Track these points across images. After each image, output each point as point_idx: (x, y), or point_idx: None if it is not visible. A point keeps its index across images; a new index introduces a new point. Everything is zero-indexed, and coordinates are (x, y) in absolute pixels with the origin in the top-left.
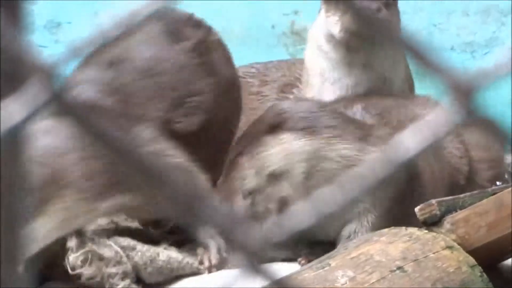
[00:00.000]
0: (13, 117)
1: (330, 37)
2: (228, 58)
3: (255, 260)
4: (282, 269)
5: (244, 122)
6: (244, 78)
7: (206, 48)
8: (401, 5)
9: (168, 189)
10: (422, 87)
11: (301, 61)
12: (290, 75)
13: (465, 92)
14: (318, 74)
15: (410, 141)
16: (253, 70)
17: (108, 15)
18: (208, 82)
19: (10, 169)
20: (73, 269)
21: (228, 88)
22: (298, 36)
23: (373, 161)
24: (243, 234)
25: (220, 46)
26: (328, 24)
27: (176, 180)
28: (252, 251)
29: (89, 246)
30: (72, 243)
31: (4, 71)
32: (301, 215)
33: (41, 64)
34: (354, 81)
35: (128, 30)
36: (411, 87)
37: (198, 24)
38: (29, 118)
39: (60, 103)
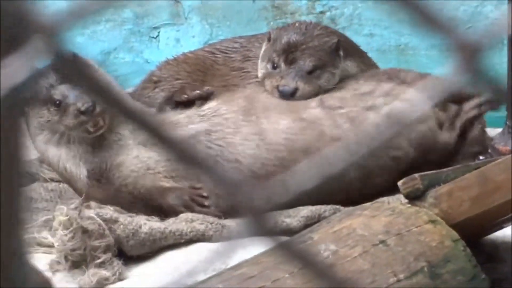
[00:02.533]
0: (15, 76)
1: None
2: None
3: (260, 219)
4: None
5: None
6: (226, 53)
7: None
8: None
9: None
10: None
11: None
12: None
13: (472, 52)
14: None
15: (417, 99)
16: (236, 45)
17: None
18: None
19: (10, 127)
20: (58, 240)
21: None
22: (279, 10)
23: (379, 120)
24: (248, 194)
25: None
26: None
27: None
28: (257, 210)
29: (75, 220)
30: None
31: (5, 29)
32: (306, 175)
33: (43, 23)
34: None
35: None
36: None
37: None
38: (32, 76)
39: (63, 62)
